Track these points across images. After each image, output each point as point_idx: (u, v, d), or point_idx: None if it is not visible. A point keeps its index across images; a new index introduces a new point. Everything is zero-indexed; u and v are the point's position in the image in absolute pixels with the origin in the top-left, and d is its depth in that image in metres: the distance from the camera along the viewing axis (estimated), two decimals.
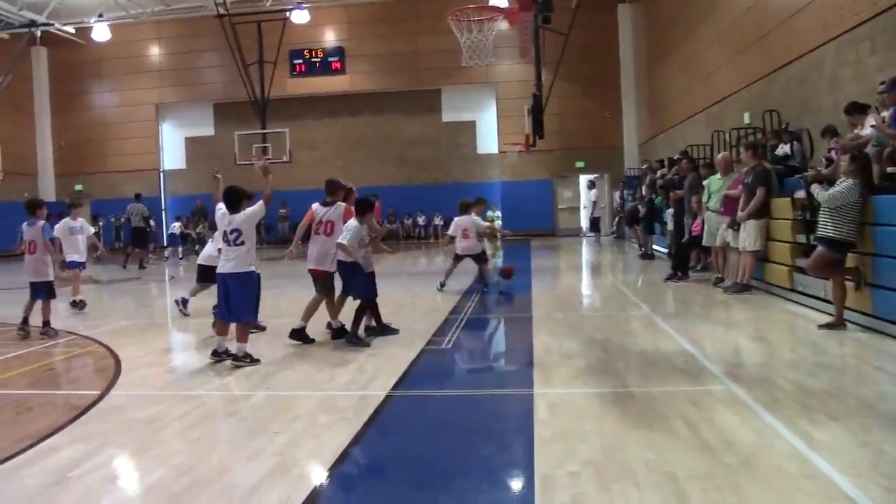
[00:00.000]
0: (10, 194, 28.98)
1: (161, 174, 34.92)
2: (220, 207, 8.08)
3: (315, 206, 9.18)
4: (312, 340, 8.83)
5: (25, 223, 10.51)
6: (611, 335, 8.83)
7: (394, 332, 9.22)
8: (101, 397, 6.58)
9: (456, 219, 13.38)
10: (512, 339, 9.93)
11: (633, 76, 31.03)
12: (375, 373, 7.20)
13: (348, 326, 8.80)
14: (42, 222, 10.53)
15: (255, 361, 7.72)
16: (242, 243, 7.78)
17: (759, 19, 15.83)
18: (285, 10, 30.14)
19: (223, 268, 7.85)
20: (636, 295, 12.60)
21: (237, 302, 7.79)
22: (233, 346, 7.84)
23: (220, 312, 7.99)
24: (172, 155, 35.22)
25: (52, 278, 10.54)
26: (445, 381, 7.35)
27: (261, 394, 6.59)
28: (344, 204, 9.17)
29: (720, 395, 5.94)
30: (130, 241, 23.83)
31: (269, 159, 27.76)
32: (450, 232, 13.54)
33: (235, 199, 7.86)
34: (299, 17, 30.57)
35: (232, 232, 7.79)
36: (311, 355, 8.25)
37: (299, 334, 8.82)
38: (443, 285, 13.51)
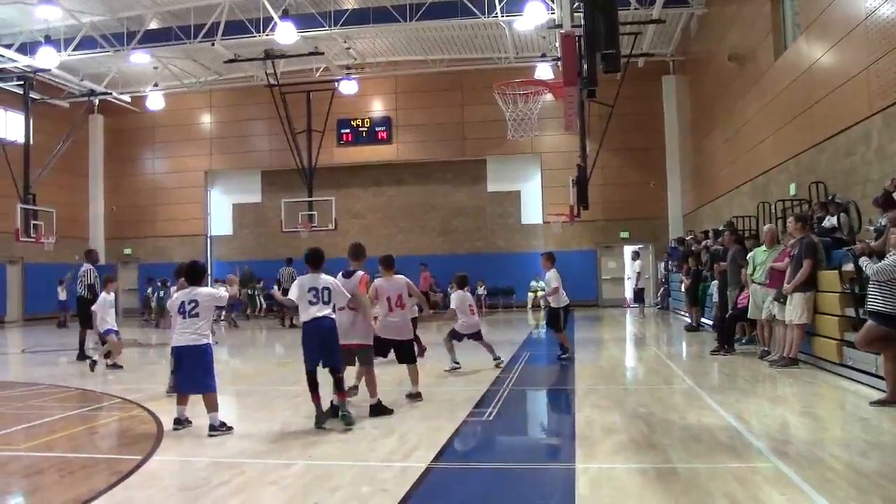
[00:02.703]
0: (62, 256, 29.78)
1: (208, 239, 35.47)
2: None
3: (339, 277, 8.89)
4: (391, 411, 8.65)
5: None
6: (654, 409, 8.68)
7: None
8: (142, 462, 6.62)
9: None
10: (554, 412, 9.84)
11: (677, 147, 31.00)
12: (417, 443, 7.17)
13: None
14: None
15: (229, 429, 7.83)
16: (197, 315, 7.96)
17: (805, 91, 15.77)
18: (334, 81, 30.79)
19: (178, 341, 7.98)
20: (681, 368, 12.43)
21: (201, 374, 7.95)
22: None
23: (178, 385, 8.14)
24: (220, 221, 35.76)
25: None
26: (486, 454, 7.29)
27: (302, 462, 6.57)
28: (362, 273, 8.87)
29: (767, 473, 5.79)
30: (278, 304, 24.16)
31: (314, 227, 28.18)
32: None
33: (198, 275, 8.29)
34: (348, 87, 31.18)
35: (190, 302, 7.97)
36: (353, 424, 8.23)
37: (377, 409, 8.60)
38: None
